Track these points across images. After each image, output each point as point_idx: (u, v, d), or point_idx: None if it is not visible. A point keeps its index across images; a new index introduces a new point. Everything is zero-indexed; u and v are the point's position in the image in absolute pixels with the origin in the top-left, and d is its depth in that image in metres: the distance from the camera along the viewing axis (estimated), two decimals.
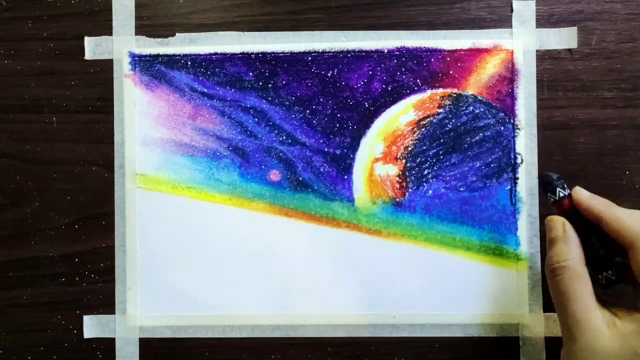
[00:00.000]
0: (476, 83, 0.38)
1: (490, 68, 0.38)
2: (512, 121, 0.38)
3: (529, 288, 0.37)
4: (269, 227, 0.38)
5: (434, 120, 0.38)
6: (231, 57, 0.39)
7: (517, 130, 0.38)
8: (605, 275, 0.32)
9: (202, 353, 0.39)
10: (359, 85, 0.38)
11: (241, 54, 0.39)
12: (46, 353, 0.39)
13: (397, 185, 0.38)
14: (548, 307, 0.37)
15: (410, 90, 0.38)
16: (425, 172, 0.38)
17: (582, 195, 0.32)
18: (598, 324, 0.29)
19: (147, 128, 0.39)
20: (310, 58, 0.39)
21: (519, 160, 0.38)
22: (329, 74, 0.39)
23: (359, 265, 0.38)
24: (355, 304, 0.38)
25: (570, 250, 0.31)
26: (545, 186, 0.34)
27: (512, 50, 0.38)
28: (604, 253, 0.32)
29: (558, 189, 0.33)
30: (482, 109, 0.38)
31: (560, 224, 0.32)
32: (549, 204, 0.34)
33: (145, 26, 0.39)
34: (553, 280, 0.31)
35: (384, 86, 0.38)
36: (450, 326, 0.38)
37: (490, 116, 0.38)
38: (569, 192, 0.33)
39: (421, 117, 0.38)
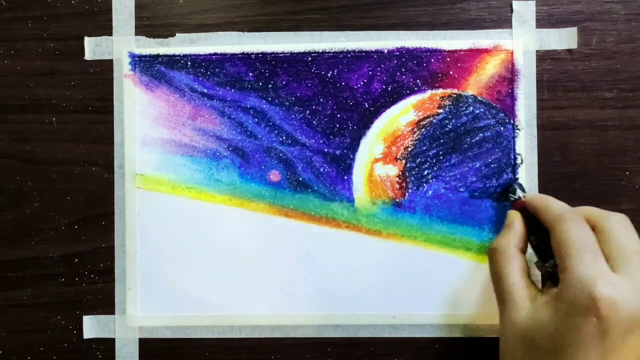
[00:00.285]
0: (476, 83, 0.38)
1: (490, 68, 0.38)
2: (512, 122, 0.38)
3: None
4: (269, 227, 0.38)
5: (434, 121, 0.38)
6: (231, 57, 0.39)
7: (517, 131, 0.38)
8: (552, 262, 0.32)
9: (202, 353, 0.39)
10: (358, 85, 0.38)
11: (241, 54, 0.39)
12: (46, 353, 0.39)
13: (397, 186, 0.38)
14: None
15: (410, 91, 0.38)
16: (425, 172, 0.38)
17: (528, 196, 0.36)
18: (522, 299, 0.31)
19: (147, 128, 0.39)
20: (310, 58, 0.39)
21: (518, 161, 0.38)
22: (329, 74, 0.39)
23: (359, 266, 0.38)
24: (355, 304, 0.38)
25: (510, 237, 0.34)
26: (506, 189, 0.37)
27: (512, 51, 0.38)
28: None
29: (518, 191, 0.36)
30: (482, 110, 0.38)
31: (512, 216, 0.35)
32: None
33: (145, 26, 0.39)
34: (489, 261, 0.34)
35: (383, 86, 0.38)
36: (450, 326, 0.38)
37: (490, 117, 0.38)
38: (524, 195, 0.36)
39: (421, 117, 0.38)
